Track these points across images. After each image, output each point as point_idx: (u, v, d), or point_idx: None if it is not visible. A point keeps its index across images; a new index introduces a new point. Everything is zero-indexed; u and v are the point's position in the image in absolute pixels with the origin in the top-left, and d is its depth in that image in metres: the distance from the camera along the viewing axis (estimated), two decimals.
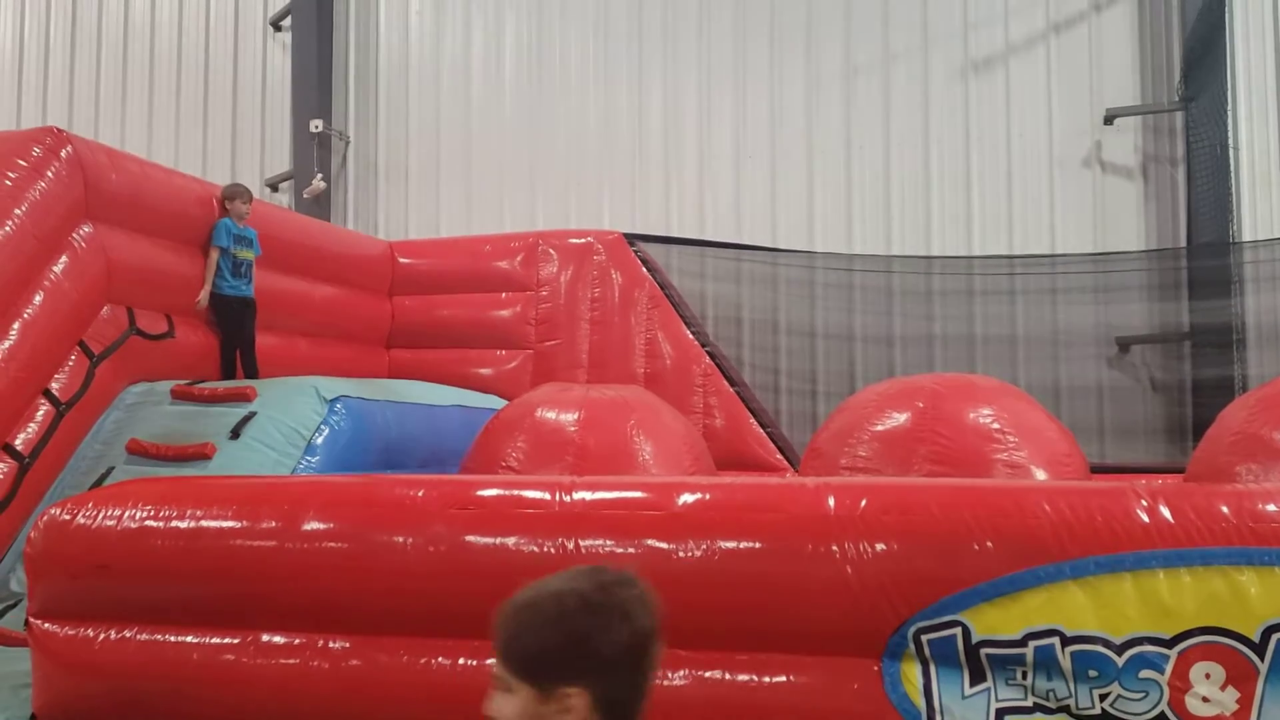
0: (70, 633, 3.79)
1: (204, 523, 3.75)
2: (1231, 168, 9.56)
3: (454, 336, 10.11)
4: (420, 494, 3.72)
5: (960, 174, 10.59)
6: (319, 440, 6.46)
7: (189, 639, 3.71)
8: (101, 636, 3.76)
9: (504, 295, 10.10)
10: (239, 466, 6.04)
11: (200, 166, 12.39)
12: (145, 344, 7.06)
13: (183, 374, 7.26)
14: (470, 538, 3.57)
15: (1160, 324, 9.73)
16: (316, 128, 11.71)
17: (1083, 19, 10.46)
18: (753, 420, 9.53)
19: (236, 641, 3.67)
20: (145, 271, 7.17)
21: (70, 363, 6.52)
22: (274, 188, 12.39)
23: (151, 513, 3.79)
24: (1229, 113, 9.56)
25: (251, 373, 7.71)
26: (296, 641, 3.65)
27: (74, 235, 6.61)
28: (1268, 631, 3.00)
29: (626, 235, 10.29)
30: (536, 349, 9.98)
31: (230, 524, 3.74)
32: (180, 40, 13.13)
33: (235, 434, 6.35)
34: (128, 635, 3.75)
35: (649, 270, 10.07)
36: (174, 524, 3.76)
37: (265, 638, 3.67)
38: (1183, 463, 6.49)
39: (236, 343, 7.78)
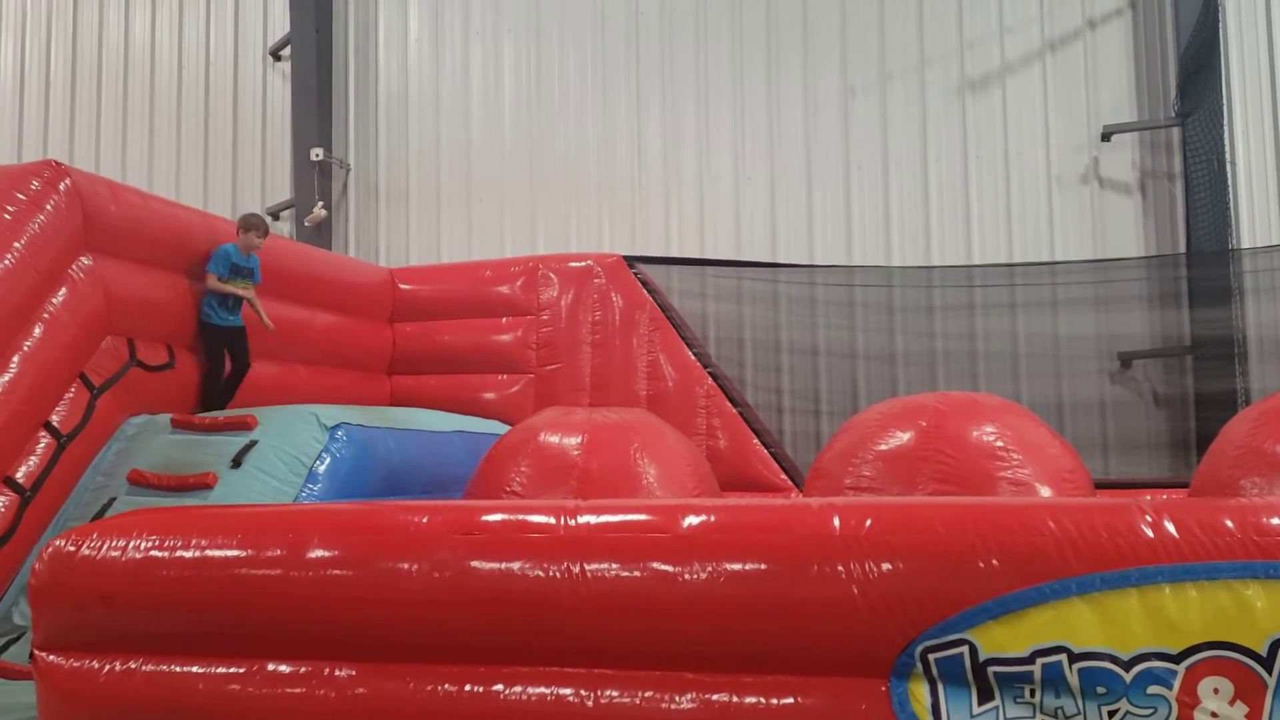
0: (75, 665, 3.78)
1: (208, 552, 3.74)
2: (1229, 182, 9.59)
3: (455, 362, 10.12)
4: (425, 520, 3.71)
5: (959, 192, 10.63)
6: (321, 468, 6.46)
7: (194, 669, 3.69)
8: (107, 668, 3.74)
9: (505, 320, 10.12)
10: (241, 495, 6.03)
11: (201, 196, 12.47)
12: (146, 375, 7.07)
13: (184, 405, 7.26)
14: (475, 563, 3.55)
15: (1161, 338, 9.74)
16: (317, 156, 11.76)
17: (1078, 36, 10.51)
18: (756, 441, 9.53)
19: (242, 671, 3.66)
20: (145, 303, 7.19)
21: (70, 395, 6.53)
22: (275, 216, 12.44)
23: (156, 543, 3.78)
24: (1225, 127, 9.60)
25: (229, 395, 7.59)
26: (302, 670, 3.63)
27: (73, 267, 6.63)
28: (1275, 645, 2.99)
29: (626, 257, 10.32)
30: (538, 373, 9.98)
31: (234, 553, 3.73)
32: (180, 71, 13.23)
33: (236, 463, 6.35)
34: (133, 666, 3.73)
35: (649, 292, 10.09)
36: (178, 554, 3.75)
37: (271, 667, 3.65)
38: (1186, 477, 6.47)
39: (220, 374, 7.66)
